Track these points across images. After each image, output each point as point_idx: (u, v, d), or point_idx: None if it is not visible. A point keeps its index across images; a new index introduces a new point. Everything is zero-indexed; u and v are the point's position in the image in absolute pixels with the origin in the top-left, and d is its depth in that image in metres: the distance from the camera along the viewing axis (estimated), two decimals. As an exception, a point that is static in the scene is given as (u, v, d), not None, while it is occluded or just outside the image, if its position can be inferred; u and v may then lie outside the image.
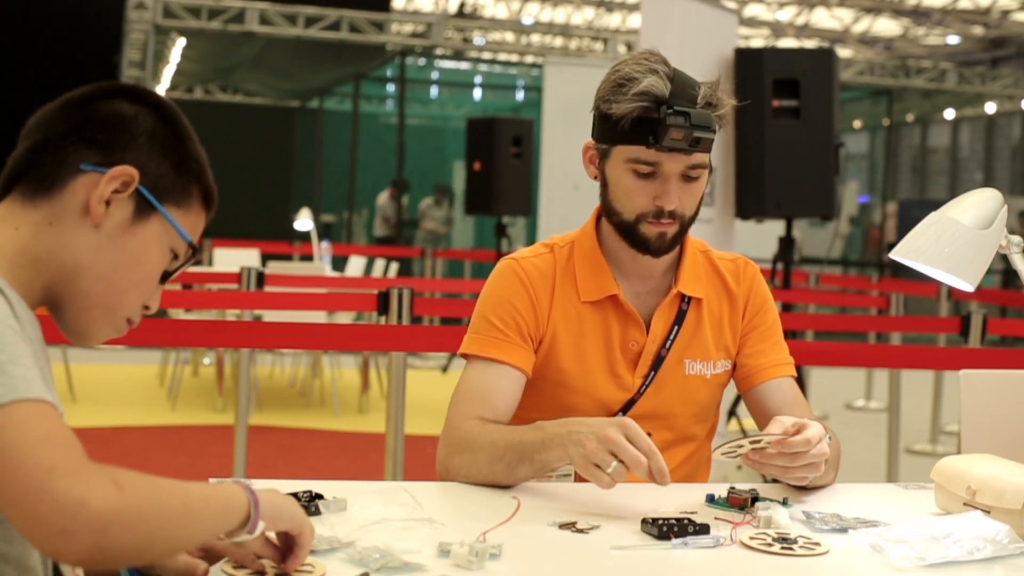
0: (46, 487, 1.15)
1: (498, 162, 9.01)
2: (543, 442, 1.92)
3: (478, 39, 19.08)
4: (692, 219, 2.18)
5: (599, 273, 2.20)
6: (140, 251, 1.43)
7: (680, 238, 2.18)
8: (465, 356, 2.17)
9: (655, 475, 1.79)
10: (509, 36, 18.89)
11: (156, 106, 1.47)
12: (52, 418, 1.22)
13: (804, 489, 2.01)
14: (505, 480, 1.97)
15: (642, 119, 2.07)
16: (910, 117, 24.27)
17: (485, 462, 1.97)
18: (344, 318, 7.33)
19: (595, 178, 2.20)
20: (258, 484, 1.87)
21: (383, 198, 14.48)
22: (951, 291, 7.36)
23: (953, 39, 22.50)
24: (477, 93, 19.97)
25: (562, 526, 1.74)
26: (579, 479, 2.09)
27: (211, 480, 1.87)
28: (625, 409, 2.18)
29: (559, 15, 21.48)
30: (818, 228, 16.76)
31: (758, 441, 1.86)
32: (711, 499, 1.91)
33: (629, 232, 2.15)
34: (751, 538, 1.69)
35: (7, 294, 1.32)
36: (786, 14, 21.13)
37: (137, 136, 1.43)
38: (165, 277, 1.49)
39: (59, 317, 1.46)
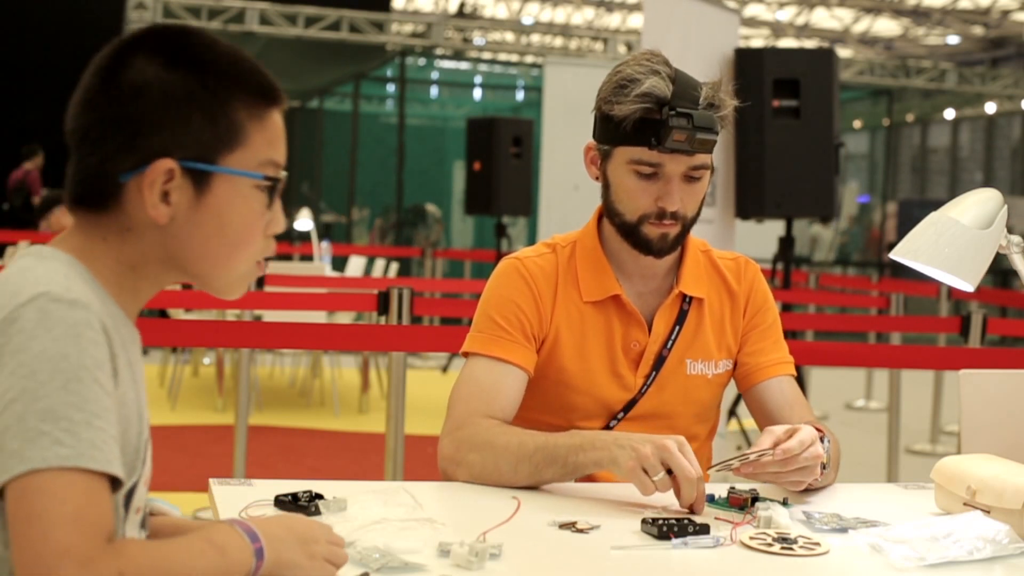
0: (54, 569, 1.16)
1: (498, 162, 9.01)
2: (582, 445, 1.93)
3: (478, 39, 19.08)
4: (694, 220, 2.18)
5: (601, 273, 2.20)
6: (221, 217, 1.37)
7: (682, 239, 2.18)
8: (467, 354, 2.17)
9: (697, 500, 1.81)
10: (509, 36, 18.89)
11: (166, 53, 1.35)
12: (90, 491, 1.20)
13: (804, 489, 2.01)
14: (527, 481, 1.97)
15: (644, 120, 2.07)
16: (910, 117, 24.27)
17: (508, 461, 1.97)
18: (344, 318, 7.33)
19: (597, 179, 2.20)
20: (260, 484, 1.88)
21: None
22: (951, 291, 7.35)
23: (953, 39, 22.50)
24: (477, 93, 19.97)
25: (562, 526, 1.74)
26: (580, 479, 2.09)
27: (211, 481, 1.88)
28: (627, 409, 2.18)
29: (559, 15, 21.48)
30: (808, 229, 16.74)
31: (746, 457, 1.86)
32: (711, 499, 1.91)
33: (631, 233, 2.16)
34: (751, 538, 1.69)
35: (106, 323, 1.28)
36: (786, 14, 21.12)
37: (156, 108, 1.33)
38: (273, 194, 1.40)
39: (202, 288, 1.43)
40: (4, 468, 1.19)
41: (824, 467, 1.96)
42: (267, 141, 1.39)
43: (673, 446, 1.82)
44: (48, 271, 1.29)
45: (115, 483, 1.24)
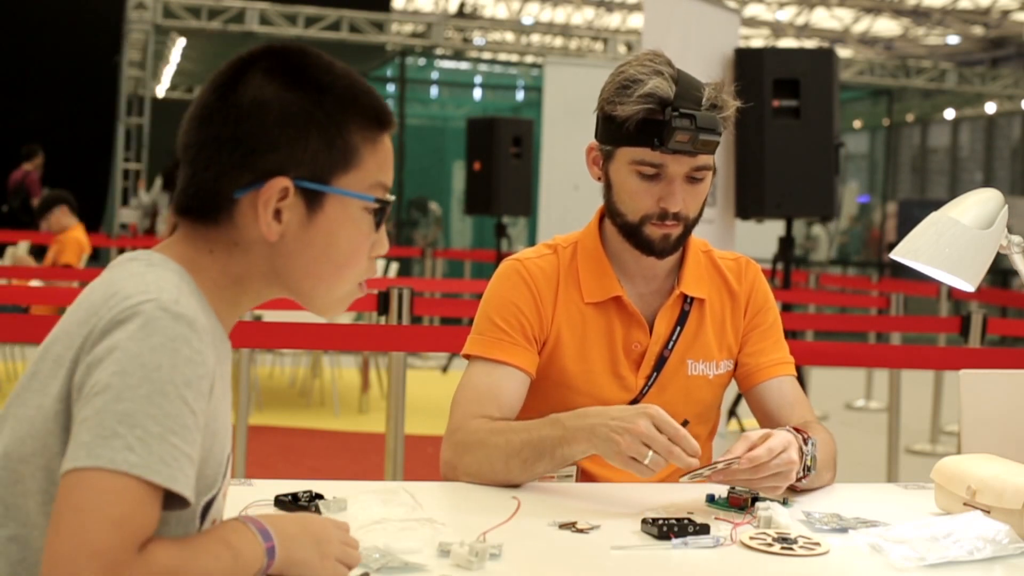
0: (82, 568, 1.16)
1: (498, 162, 9.01)
2: (563, 437, 1.92)
3: (478, 39, 19.09)
4: (696, 220, 2.18)
5: (602, 274, 2.20)
6: (330, 237, 1.38)
7: (684, 239, 2.18)
8: (468, 357, 2.17)
9: (688, 454, 1.80)
10: (509, 36, 18.90)
11: (285, 72, 1.37)
12: (143, 503, 1.20)
13: (796, 489, 2.01)
14: (520, 477, 1.97)
15: (647, 121, 2.07)
16: (910, 117, 24.27)
17: (499, 459, 1.97)
18: (344, 318, 7.33)
19: (599, 179, 2.20)
20: (260, 484, 1.88)
21: None
22: (951, 291, 7.35)
23: (953, 39, 22.50)
24: (477, 93, 19.96)
25: (562, 526, 1.74)
26: (580, 479, 2.09)
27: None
28: (627, 409, 2.18)
29: (559, 15, 21.48)
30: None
31: (715, 466, 1.85)
32: (711, 499, 1.91)
33: (633, 234, 2.15)
34: (751, 538, 1.69)
35: (206, 345, 1.28)
36: (786, 14, 21.13)
37: (274, 127, 1.34)
38: (382, 217, 1.41)
39: (302, 305, 1.45)
40: (71, 457, 1.19)
41: (808, 469, 1.96)
42: (378, 164, 1.41)
43: (647, 426, 1.81)
44: (158, 279, 1.30)
45: (180, 501, 1.24)
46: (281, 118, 1.35)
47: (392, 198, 1.43)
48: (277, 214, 1.35)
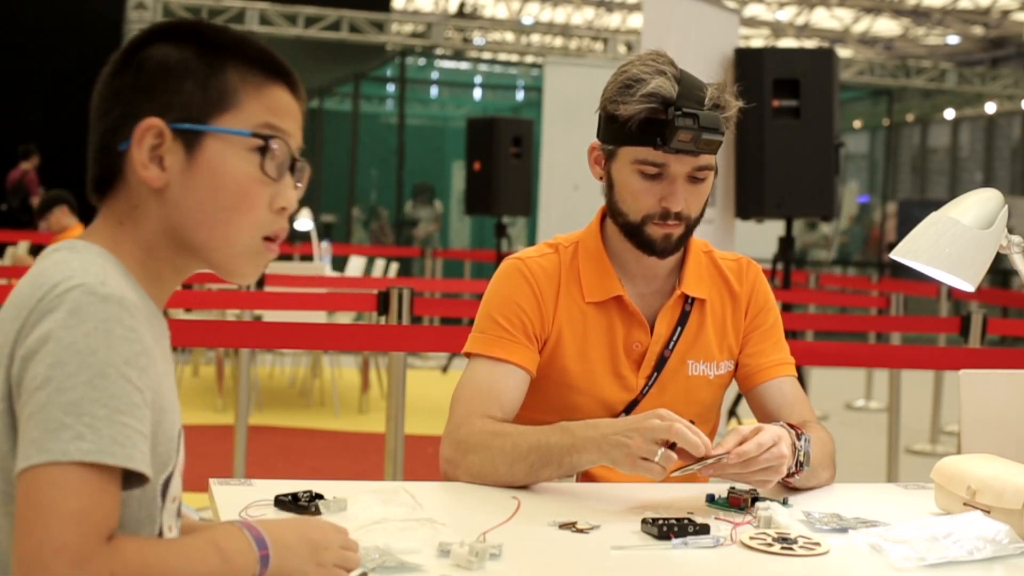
0: (49, 564, 1.16)
1: (498, 162, 9.01)
2: (573, 445, 1.92)
3: (478, 39, 19.09)
4: (697, 220, 2.18)
5: (604, 274, 2.20)
6: (214, 178, 1.36)
7: (685, 239, 2.18)
8: (469, 355, 2.17)
9: (702, 444, 1.81)
10: (509, 36, 18.90)
11: (176, 35, 1.38)
12: (101, 493, 1.20)
13: (793, 488, 2.01)
14: (524, 481, 1.97)
15: (650, 120, 2.07)
16: (910, 117, 24.27)
17: (504, 462, 1.97)
18: (344, 318, 7.33)
19: (600, 179, 2.20)
20: (260, 484, 1.88)
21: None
22: (951, 291, 7.36)
23: (953, 39, 22.50)
24: (477, 93, 19.97)
25: (562, 526, 1.74)
26: (580, 479, 2.09)
27: (211, 481, 1.88)
28: (628, 410, 2.18)
29: (559, 15, 21.48)
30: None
31: (706, 460, 1.85)
32: (711, 499, 1.91)
33: (635, 233, 2.15)
34: (751, 538, 1.69)
35: (140, 321, 1.27)
36: (786, 14, 21.13)
37: (150, 78, 1.36)
38: (266, 151, 1.38)
39: (210, 270, 1.43)
40: (23, 455, 1.19)
41: (801, 465, 1.95)
42: (266, 108, 1.39)
43: (658, 424, 1.82)
44: (83, 263, 1.30)
45: (139, 478, 1.24)
46: (159, 69, 1.36)
47: (295, 147, 1.41)
48: (160, 162, 1.35)
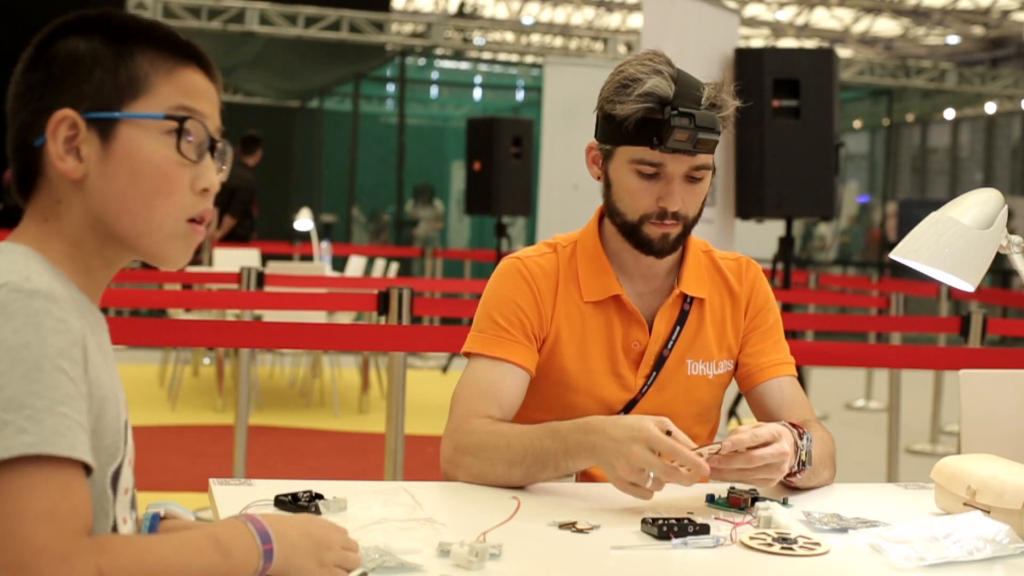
0: (32, 568, 1.16)
1: (498, 162, 9.01)
2: (566, 451, 1.92)
3: (478, 39, 19.08)
4: (695, 220, 2.18)
5: (602, 273, 2.20)
6: (132, 165, 1.36)
7: (683, 239, 2.18)
8: (468, 355, 2.17)
9: (692, 471, 1.79)
10: (509, 36, 18.89)
11: (84, 27, 1.39)
12: (65, 485, 1.20)
13: (796, 488, 2.01)
14: (522, 482, 1.97)
15: (646, 120, 2.07)
16: (910, 117, 24.27)
17: (501, 464, 1.97)
18: (344, 318, 7.33)
19: (598, 178, 2.20)
20: (260, 484, 1.88)
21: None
22: (951, 291, 7.36)
23: (953, 39, 22.50)
24: (477, 93, 19.97)
25: (562, 526, 1.74)
26: (580, 479, 2.09)
27: (211, 481, 1.88)
28: (627, 409, 2.18)
29: (559, 15, 21.49)
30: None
31: (700, 454, 1.84)
32: (711, 499, 1.91)
33: (632, 233, 2.15)
34: (751, 538, 1.69)
35: (68, 312, 1.27)
36: (786, 14, 21.13)
37: (61, 70, 1.36)
38: (182, 133, 1.38)
39: (140, 259, 1.43)
40: None
41: (803, 464, 1.95)
42: (178, 90, 1.39)
43: (643, 451, 1.79)
44: (6, 263, 1.30)
45: (87, 470, 1.24)
46: (68, 61, 1.37)
47: (213, 126, 1.41)
48: (77, 153, 1.35)
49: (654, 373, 2.19)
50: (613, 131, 2.12)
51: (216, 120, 1.43)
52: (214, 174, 1.41)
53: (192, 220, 1.40)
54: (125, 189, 1.36)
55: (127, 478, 1.37)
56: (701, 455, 1.82)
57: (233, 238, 9.84)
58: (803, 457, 1.95)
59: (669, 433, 1.81)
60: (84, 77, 1.36)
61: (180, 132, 1.37)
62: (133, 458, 1.40)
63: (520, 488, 1.97)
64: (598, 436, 1.88)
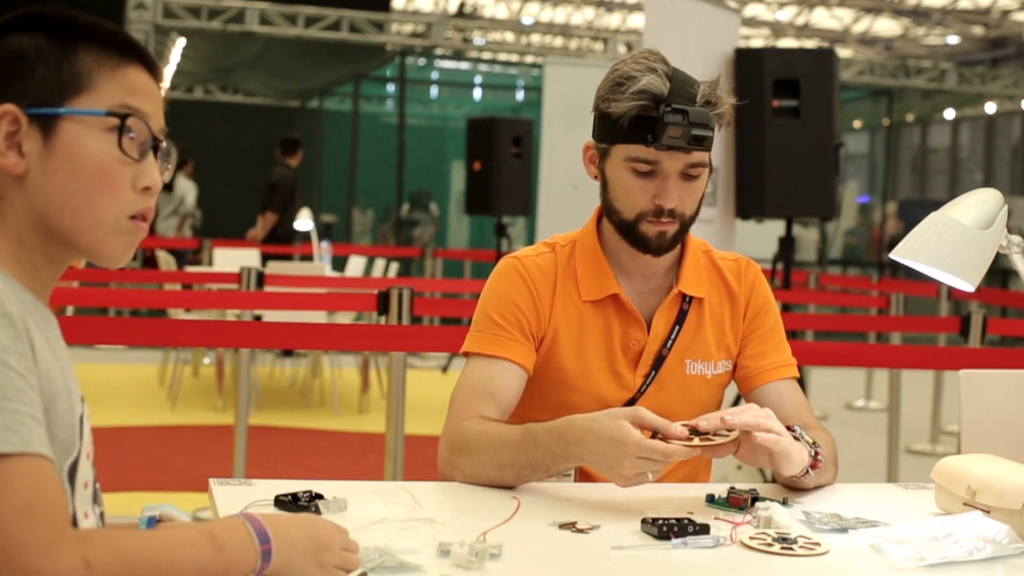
0: (16, 564, 1.16)
1: (498, 162, 9.02)
2: (553, 457, 1.92)
3: (478, 39, 19.07)
4: (693, 218, 2.18)
5: (600, 272, 2.20)
6: (73, 160, 1.37)
7: (680, 237, 2.18)
8: (467, 355, 2.17)
9: (683, 446, 1.80)
10: (509, 36, 18.88)
11: (30, 25, 1.39)
12: (36, 478, 1.20)
13: (800, 488, 2.01)
14: (514, 483, 1.98)
15: (641, 117, 2.07)
16: (910, 117, 24.27)
17: (493, 466, 1.97)
18: (344, 318, 7.33)
19: (595, 178, 2.21)
20: (260, 484, 1.88)
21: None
22: (951, 291, 7.35)
23: (953, 39, 22.50)
24: (477, 93, 19.98)
25: (562, 526, 1.74)
26: (579, 479, 2.09)
27: (211, 481, 1.88)
28: (626, 408, 2.18)
29: (559, 15, 21.48)
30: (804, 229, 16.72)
31: (692, 440, 1.85)
32: (711, 499, 1.91)
33: (629, 231, 2.16)
34: (751, 538, 1.69)
35: (10, 307, 1.27)
36: (786, 14, 21.13)
37: (8, 68, 1.37)
38: (124, 131, 1.38)
39: (83, 257, 1.43)
40: None
41: (816, 457, 1.96)
42: (121, 88, 1.40)
43: (633, 464, 1.80)
44: None
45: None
46: (11, 58, 1.37)
47: (156, 128, 1.40)
48: (19, 149, 1.36)
49: (653, 372, 2.19)
50: (608, 129, 2.12)
51: (160, 120, 1.43)
52: (156, 173, 1.42)
53: (134, 217, 1.41)
54: (66, 185, 1.37)
55: (86, 472, 1.37)
56: (693, 441, 1.83)
57: (274, 239, 9.85)
58: (808, 440, 1.96)
59: (652, 431, 1.83)
60: (27, 73, 1.36)
61: (122, 129, 1.38)
62: (91, 452, 1.40)
63: (519, 488, 1.97)
64: (583, 450, 1.87)
